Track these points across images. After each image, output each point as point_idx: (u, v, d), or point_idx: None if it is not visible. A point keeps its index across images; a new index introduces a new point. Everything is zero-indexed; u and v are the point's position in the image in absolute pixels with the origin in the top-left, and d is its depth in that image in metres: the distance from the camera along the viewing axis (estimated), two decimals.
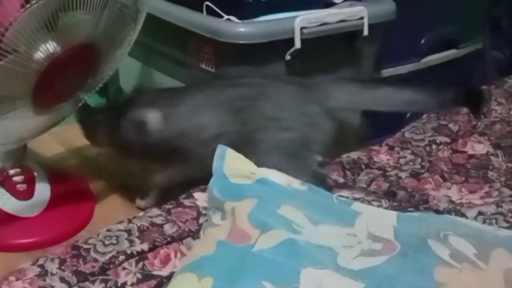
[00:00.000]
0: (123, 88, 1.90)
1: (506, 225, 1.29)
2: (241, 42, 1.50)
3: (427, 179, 1.48)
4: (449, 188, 1.46)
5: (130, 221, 1.29)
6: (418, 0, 1.97)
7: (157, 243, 1.21)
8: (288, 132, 1.38)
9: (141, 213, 1.32)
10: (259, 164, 1.27)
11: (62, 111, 1.55)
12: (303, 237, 1.09)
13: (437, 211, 1.35)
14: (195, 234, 1.26)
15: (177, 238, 1.24)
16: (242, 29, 1.51)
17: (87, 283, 1.11)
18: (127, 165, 1.64)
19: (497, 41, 2.47)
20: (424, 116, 1.81)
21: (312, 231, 1.13)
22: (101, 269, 1.14)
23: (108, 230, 1.26)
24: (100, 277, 1.13)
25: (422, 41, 2.07)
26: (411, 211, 1.33)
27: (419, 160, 1.58)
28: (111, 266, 1.15)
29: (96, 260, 1.17)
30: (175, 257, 1.20)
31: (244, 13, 1.60)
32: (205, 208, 1.33)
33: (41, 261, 1.16)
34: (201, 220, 1.30)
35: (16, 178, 1.60)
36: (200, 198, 1.37)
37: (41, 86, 1.35)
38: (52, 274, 1.13)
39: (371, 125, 1.94)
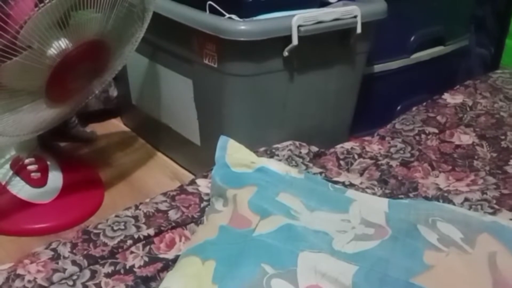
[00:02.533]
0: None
1: (490, 211, 1.29)
2: (242, 39, 1.49)
3: (416, 168, 1.48)
4: (437, 176, 1.45)
5: (136, 207, 1.29)
6: (408, 0, 1.97)
7: (162, 228, 1.21)
8: None
9: (147, 200, 1.32)
10: None
11: (73, 104, 1.55)
12: (300, 222, 1.09)
13: (426, 198, 1.35)
14: (198, 220, 1.25)
15: (181, 223, 1.24)
16: (242, 27, 1.50)
17: (97, 266, 1.11)
18: None
19: (482, 39, 2.47)
20: (414, 108, 1.81)
21: (309, 217, 1.13)
22: (110, 253, 1.14)
23: (117, 216, 1.26)
24: (110, 260, 1.13)
25: (412, 39, 2.07)
26: (401, 198, 1.32)
27: (409, 148, 1.57)
28: (120, 250, 1.15)
29: (105, 244, 1.16)
30: (180, 241, 1.20)
31: (245, 12, 1.60)
32: (207, 194, 1.33)
33: (54, 245, 1.16)
34: (203, 205, 1.30)
35: (31, 167, 1.60)
36: (202, 184, 1.37)
37: (53, 80, 1.35)
38: (64, 257, 1.12)
39: (364, 118, 1.94)
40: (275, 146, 1.53)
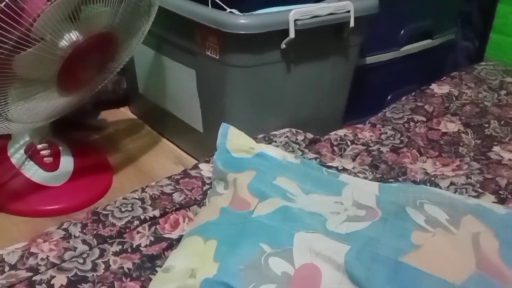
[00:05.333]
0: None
1: (474, 194, 1.29)
2: (242, 32, 1.49)
3: (405, 154, 1.48)
4: (425, 162, 1.45)
5: (143, 190, 1.29)
6: None
7: (167, 210, 1.21)
8: None
9: (153, 183, 1.32)
10: None
11: (84, 92, 1.55)
12: (296, 204, 1.09)
13: (414, 182, 1.35)
14: (200, 202, 1.25)
15: (185, 205, 1.24)
16: (243, 21, 1.50)
17: (106, 245, 1.11)
18: None
19: (467, 33, 2.47)
20: (403, 98, 1.81)
21: (304, 199, 1.13)
22: (118, 233, 1.14)
23: (124, 198, 1.26)
24: (118, 240, 1.13)
25: (402, 32, 2.06)
26: (391, 182, 1.32)
27: (399, 135, 1.57)
28: (127, 230, 1.15)
29: (113, 225, 1.16)
30: (183, 222, 1.20)
31: (245, 6, 1.60)
32: (209, 178, 1.32)
33: (65, 225, 1.16)
34: (206, 188, 1.30)
35: (43, 152, 1.60)
36: (204, 168, 1.37)
37: (65, 71, 1.34)
38: (75, 236, 1.12)
39: (356, 107, 1.94)
40: (273, 133, 1.53)
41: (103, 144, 1.95)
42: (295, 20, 1.54)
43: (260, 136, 1.50)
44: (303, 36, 1.56)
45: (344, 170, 1.39)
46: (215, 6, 1.61)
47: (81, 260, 1.07)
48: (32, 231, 1.32)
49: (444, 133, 1.60)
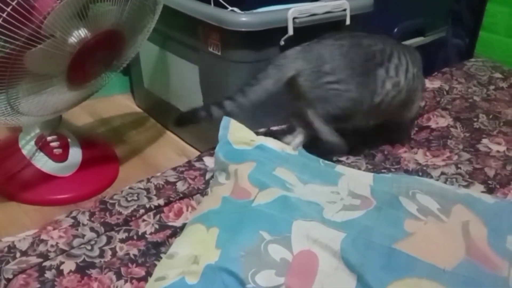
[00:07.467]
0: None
1: (464, 184, 1.29)
2: (243, 29, 1.49)
3: (399, 144, 1.48)
4: (416, 153, 1.45)
5: (148, 180, 1.29)
6: None
7: (171, 199, 1.21)
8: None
9: (158, 174, 1.32)
10: None
11: (92, 87, 1.55)
12: (294, 194, 1.09)
13: (407, 171, 1.35)
14: (203, 191, 1.25)
15: (188, 194, 1.24)
16: (243, 19, 1.50)
17: (112, 232, 1.11)
18: None
19: (458, 31, 2.46)
20: None
21: (302, 189, 1.12)
22: (124, 221, 1.14)
23: (130, 188, 1.26)
24: (124, 227, 1.13)
25: (395, 30, 2.06)
26: (384, 173, 1.32)
27: None
28: (133, 218, 1.15)
29: (120, 213, 1.16)
30: (187, 210, 1.20)
31: (246, 5, 1.60)
32: (211, 168, 1.32)
33: (74, 214, 1.16)
34: (208, 178, 1.30)
35: (53, 144, 1.60)
36: (208, 161, 1.37)
37: (74, 66, 1.34)
38: (83, 224, 1.13)
39: None
40: (272, 128, 1.53)
41: (110, 136, 1.95)
42: (294, 18, 1.54)
43: (261, 130, 1.49)
44: (301, 33, 1.55)
45: (339, 161, 1.39)
46: (217, 4, 1.60)
47: (89, 247, 1.07)
48: (42, 219, 1.32)
49: (433, 130, 1.60)
